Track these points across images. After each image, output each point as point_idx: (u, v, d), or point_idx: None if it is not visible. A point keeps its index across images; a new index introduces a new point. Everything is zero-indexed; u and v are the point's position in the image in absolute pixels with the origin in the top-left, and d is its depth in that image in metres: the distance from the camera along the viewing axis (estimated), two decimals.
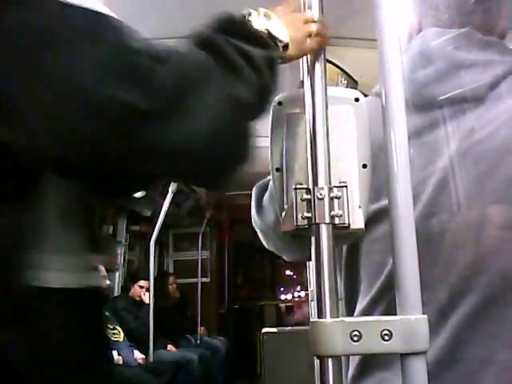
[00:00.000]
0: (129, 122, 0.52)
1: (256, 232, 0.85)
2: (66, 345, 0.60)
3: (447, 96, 0.66)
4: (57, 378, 0.60)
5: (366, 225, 0.60)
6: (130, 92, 0.52)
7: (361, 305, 0.77)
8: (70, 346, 0.60)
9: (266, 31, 0.62)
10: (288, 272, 7.81)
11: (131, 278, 4.51)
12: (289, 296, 7.46)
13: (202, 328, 5.04)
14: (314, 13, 0.64)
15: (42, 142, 0.53)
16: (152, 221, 4.39)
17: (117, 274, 4.71)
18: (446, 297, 0.68)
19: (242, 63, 0.57)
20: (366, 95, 0.68)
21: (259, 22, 0.62)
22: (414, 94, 0.68)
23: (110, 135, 0.52)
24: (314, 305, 1.99)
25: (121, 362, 3.50)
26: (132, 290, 4.45)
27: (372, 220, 0.68)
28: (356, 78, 2.36)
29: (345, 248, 0.79)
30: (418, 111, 0.68)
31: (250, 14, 0.63)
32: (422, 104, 0.68)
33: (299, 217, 0.58)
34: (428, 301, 0.65)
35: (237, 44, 0.58)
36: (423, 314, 0.53)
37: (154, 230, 4.05)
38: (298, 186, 0.58)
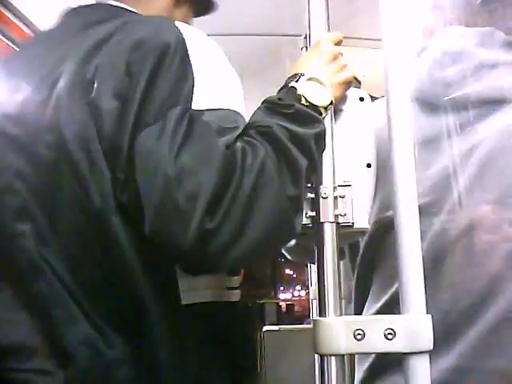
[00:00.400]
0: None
1: None
2: None
3: (477, 96, 0.65)
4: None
5: (385, 229, 0.60)
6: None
7: (372, 307, 0.76)
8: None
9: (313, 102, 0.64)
10: (288, 271, 7.83)
11: None
12: (288, 295, 7.50)
13: None
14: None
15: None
16: None
17: None
18: (468, 304, 0.68)
19: (297, 156, 0.60)
20: (370, 96, 0.68)
21: (306, 92, 0.65)
22: (440, 94, 0.66)
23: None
24: (315, 303, 1.96)
25: None
26: None
27: (391, 225, 0.67)
28: (359, 78, 2.36)
29: (362, 248, 0.78)
30: (444, 112, 0.66)
31: (297, 81, 0.67)
32: (449, 105, 0.66)
33: (304, 215, 0.58)
34: (451, 308, 0.65)
35: (289, 128, 0.62)
36: (427, 313, 0.53)
37: None
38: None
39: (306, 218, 0.58)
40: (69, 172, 0.68)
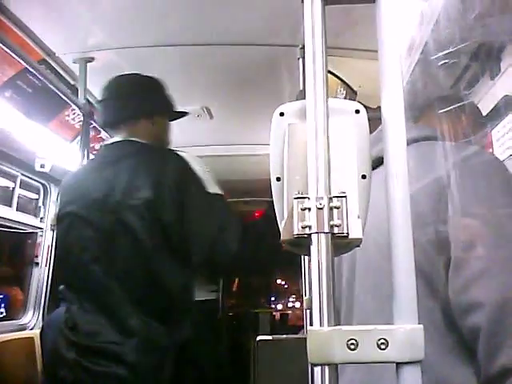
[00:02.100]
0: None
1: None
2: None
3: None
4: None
5: None
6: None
7: None
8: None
9: None
10: (280, 281, 7.84)
11: None
12: (279, 306, 7.52)
13: None
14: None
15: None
16: None
17: None
18: None
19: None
20: (365, 106, 0.69)
21: None
22: None
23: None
24: (309, 312, 1.99)
25: None
26: None
27: None
28: (355, 89, 2.38)
29: None
30: None
31: None
32: None
33: (299, 226, 0.58)
34: None
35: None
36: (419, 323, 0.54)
37: None
38: (298, 196, 0.59)
39: (301, 228, 0.58)
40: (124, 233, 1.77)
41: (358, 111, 0.65)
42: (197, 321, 1.83)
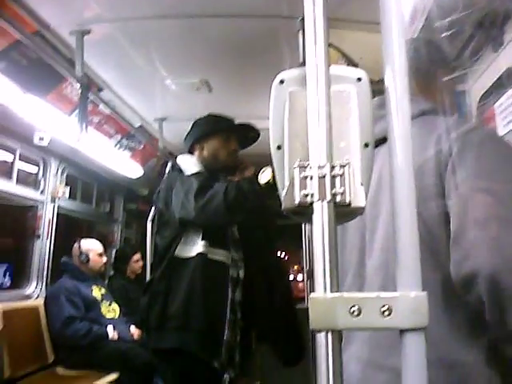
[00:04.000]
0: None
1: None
2: None
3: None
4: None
5: None
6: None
7: None
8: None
9: None
10: (279, 254, 7.87)
11: (126, 255, 4.53)
12: None
13: None
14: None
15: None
16: (148, 200, 4.40)
17: (114, 251, 4.73)
18: None
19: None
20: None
21: None
22: None
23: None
24: (309, 283, 2.01)
25: (116, 337, 3.54)
26: (128, 268, 4.47)
27: None
28: (356, 61, 2.35)
29: None
30: None
31: None
32: None
33: (300, 194, 0.58)
34: None
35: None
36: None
37: (151, 209, 4.06)
38: (300, 164, 0.59)
39: (303, 196, 0.58)
40: None
41: (360, 79, 0.64)
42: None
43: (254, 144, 2.43)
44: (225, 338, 2.10)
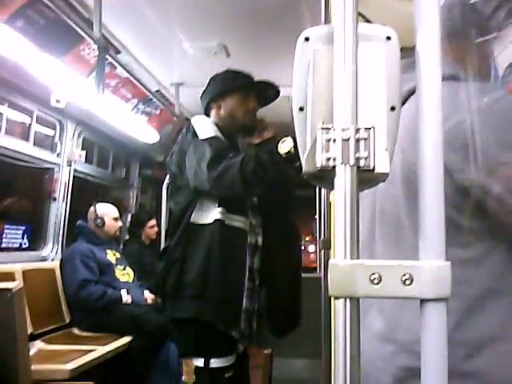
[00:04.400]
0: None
1: None
2: None
3: None
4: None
5: None
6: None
7: None
8: None
9: None
10: None
11: (141, 220, 4.56)
12: None
13: None
14: None
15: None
16: (164, 166, 4.40)
17: (129, 216, 4.77)
18: None
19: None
20: None
21: None
22: None
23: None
24: (324, 252, 1.99)
25: (130, 301, 3.59)
26: (143, 234, 4.51)
27: None
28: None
29: None
30: None
31: None
32: None
33: (323, 158, 0.56)
34: None
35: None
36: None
37: (166, 175, 4.07)
38: (323, 126, 0.56)
39: (326, 160, 0.56)
40: None
41: (389, 37, 0.61)
42: None
43: (274, 114, 2.31)
44: (243, 306, 2.04)
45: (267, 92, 2.26)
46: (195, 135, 2.09)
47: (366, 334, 1.01)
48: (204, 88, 2.29)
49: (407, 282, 0.51)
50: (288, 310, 2.19)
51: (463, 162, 0.89)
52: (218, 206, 2.03)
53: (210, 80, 2.27)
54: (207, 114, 2.27)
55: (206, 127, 2.14)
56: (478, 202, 0.87)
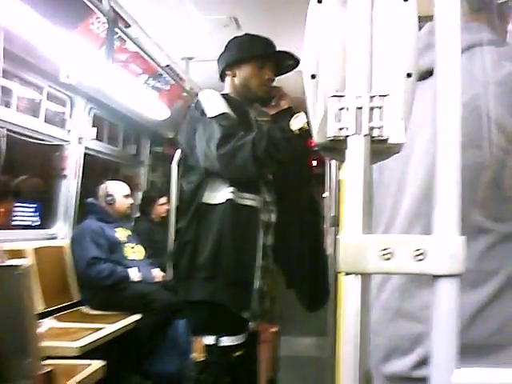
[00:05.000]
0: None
1: None
2: None
3: None
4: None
5: None
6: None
7: None
8: None
9: None
10: None
11: (152, 198, 4.55)
12: None
13: None
14: None
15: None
16: (175, 143, 4.38)
17: (139, 193, 4.77)
18: None
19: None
20: None
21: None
22: None
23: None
24: (335, 230, 1.96)
25: (139, 279, 3.61)
26: (154, 211, 4.51)
27: None
28: None
29: None
30: None
31: None
32: None
33: (335, 127, 0.53)
34: None
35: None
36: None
37: (176, 152, 4.04)
38: (336, 94, 0.53)
39: (338, 130, 0.53)
40: None
41: None
42: None
43: (287, 90, 2.23)
44: (256, 286, 2.01)
45: (284, 62, 2.15)
46: (203, 113, 2.00)
47: (375, 307, 0.99)
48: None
49: (420, 257, 0.48)
50: (311, 285, 2.16)
51: (478, 136, 0.85)
52: (230, 186, 1.98)
53: (227, 45, 2.17)
54: (222, 80, 2.18)
55: (214, 103, 2.03)
56: None
